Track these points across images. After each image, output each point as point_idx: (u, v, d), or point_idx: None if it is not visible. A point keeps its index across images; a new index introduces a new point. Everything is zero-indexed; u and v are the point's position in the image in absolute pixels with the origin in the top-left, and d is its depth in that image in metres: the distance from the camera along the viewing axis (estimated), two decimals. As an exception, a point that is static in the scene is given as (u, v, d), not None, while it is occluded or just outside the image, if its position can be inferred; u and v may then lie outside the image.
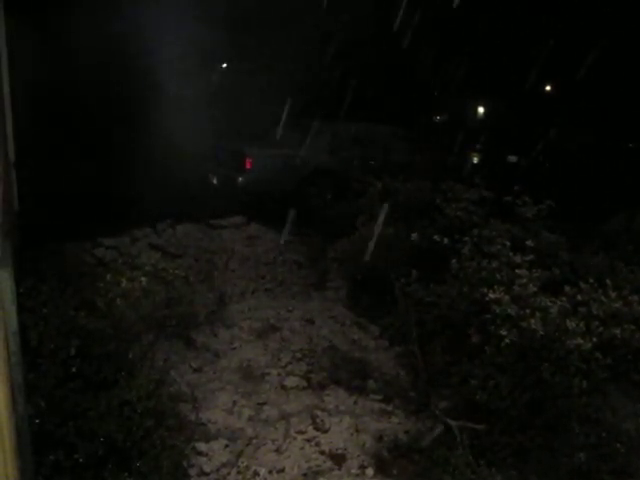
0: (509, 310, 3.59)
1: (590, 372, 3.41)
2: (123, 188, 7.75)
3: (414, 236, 5.18)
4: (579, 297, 3.69)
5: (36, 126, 7.94)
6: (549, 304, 3.58)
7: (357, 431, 3.81)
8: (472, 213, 5.30)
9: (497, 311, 3.65)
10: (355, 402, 4.15)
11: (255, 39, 13.38)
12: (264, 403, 4.05)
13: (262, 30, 13.23)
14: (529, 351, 3.54)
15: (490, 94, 15.67)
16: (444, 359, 4.38)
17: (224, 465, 3.41)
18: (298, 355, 4.72)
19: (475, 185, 5.67)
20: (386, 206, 5.87)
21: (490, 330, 3.70)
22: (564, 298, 3.67)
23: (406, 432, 3.83)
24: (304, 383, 4.36)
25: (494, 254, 4.24)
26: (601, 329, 3.45)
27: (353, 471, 3.45)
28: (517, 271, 3.94)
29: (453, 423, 3.68)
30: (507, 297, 3.68)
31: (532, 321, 3.46)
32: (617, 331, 3.43)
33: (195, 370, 4.42)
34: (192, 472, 3.30)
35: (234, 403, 4.01)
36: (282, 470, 3.40)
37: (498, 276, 4.01)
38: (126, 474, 2.77)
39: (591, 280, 3.81)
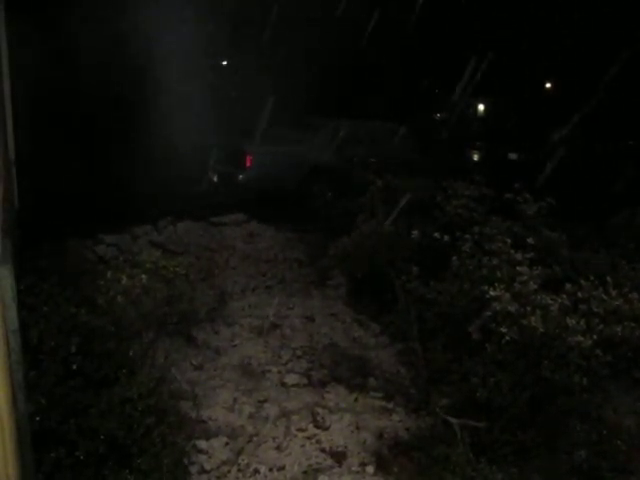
0: (509, 307, 3.58)
1: (590, 369, 3.41)
2: (123, 186, 7.76)
3: (415, 233, 5.18)
4: (580, 295, 3.68)
5: (36, 125, 7.94)
6: (550, 302, 3.58)
7: (357, 429, 3.81)
8: (473, 210, 5.29)
9: (497, 308, 3.64)
10: (356, 400, 4.16)
11: (256, 36, 13.37)
12: (265, 400, 4.05)
13: (263, 28, 13.22)
14: (529, 348, 3.53)
15: (490, 92, 15.64)
16: (444, 356, 4.38)
17: (224, 462, 3.41)
18: (298, 352, 4.72)
19: (475, 182, 5.66)
20: (386, 204, 5.87)
21: (491, 327, 3.70)
22: (565, 296, 3.66)
23: (407, 429, 3.84)
24: (304, 380, 4.36)
25: (495, 251, 4.24)
26: (601, 326, 3.44)
27: (353, 469, 3.45)
28: (518, 268, 3.93)
29: (454, 420, 3.68)
30: (508, 294, 3.68)
31: (532, 318, 3.46)
32: (618, 328, 3.42)
33: (196, 367, 4.43)
34: (193, 469, 3.30)
35: (235, 400, 4.02)
36: (282, 468, 3.41)
37: (499, 273, 4.01)
38: (127, 471, 2.77)
39: (592, 278, 3.80)
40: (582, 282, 3.76)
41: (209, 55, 13.85)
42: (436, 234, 4.90)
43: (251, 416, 3.88)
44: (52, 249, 5.07)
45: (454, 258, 4.45)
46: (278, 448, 3.57)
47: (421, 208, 5.97)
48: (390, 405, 4.12)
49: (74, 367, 3.11)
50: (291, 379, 4.33)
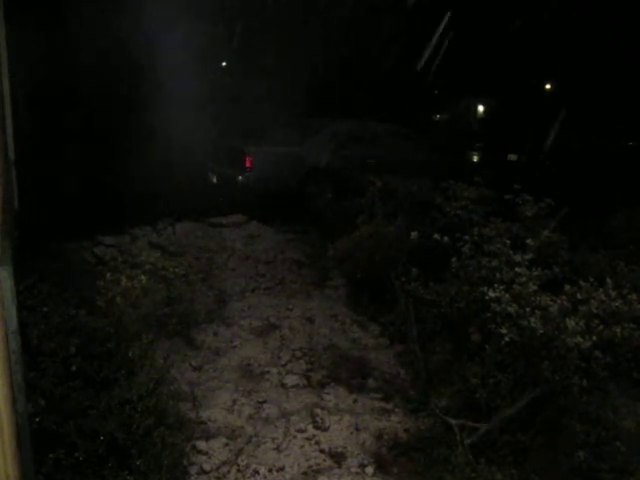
0: (509, 309, 3.59)
1: (590, 371, 3.41)
2: (122, 187, 7.76)
3: (414, 234, 5.18)
4: (579, 296, 3.68)
5: (36, 126, 7.94)
6: (549, 303, 3.58)
7: (357, 429, 3.81)
8: (472, 211, 5.29)
9: (497, 309, 3.65)
10: (355, 400, 4.16)
11: (255, 38, 13.38)
12: (264, 401, 4.05)
13: (263, 29, 13.23)
14: (529, 349, 3.54)
15: (490, 93, 15.66)
16: (444, 357, 4.39)
17: (224, 463, 3.41)
18: (298, 354, 4.72)
19: (475, 183, 5.66)
20: (386, 205, 5.87)
21: (490, 328, 3.70)
22: (564, 297, 3.66)
23: (406, 430, 3.84)
24: (304, 381, 4.36)
25: (494, 253, 4.24)
26: (601, 328, 3.44)
27: (353, 470, 3.45)
28: (517, 270, 3.93)
29: (453, 421, 3.68)
30: (507, 296, 3.68)
31: (532, 320, 3.46)
32: (617, 330, 3.42)
33: (195, 368, 4.43)
34: (192, 470, 3.30)
35: (234, 401, 4.02)
36: (282, 468, 3.41)
37: (498, 275, 4.01)
38: (126, 472, 2.77)
39: (591, 279, 3.81)
40: (581, 283, 3.76)
41: (209, 56, 13.85)
42: (435, 235, 4.90)
43: (250, 417, 3.88)
44: (51, 250, 5.07)
45: (453, 259, 4.46)
46: (277, 449, 3.57)
47: (420, 209, 5.98)
48: (389, 406, 4.12)
49: (74, 368, 3.11)
50: (290, 380, 4.33)
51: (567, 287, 3.78)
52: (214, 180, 9.52)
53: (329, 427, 3.79)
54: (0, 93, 5.06)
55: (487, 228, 4.66)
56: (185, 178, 9.22)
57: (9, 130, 5.56)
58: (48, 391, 2.88)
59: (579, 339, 3.32)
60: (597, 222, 6.12)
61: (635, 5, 11.91)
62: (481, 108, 17.14)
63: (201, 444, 3.51)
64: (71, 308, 3.54)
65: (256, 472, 3.35)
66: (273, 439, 3.66)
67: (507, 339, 3.53)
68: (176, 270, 4.95)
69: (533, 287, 3.71)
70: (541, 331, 3.42)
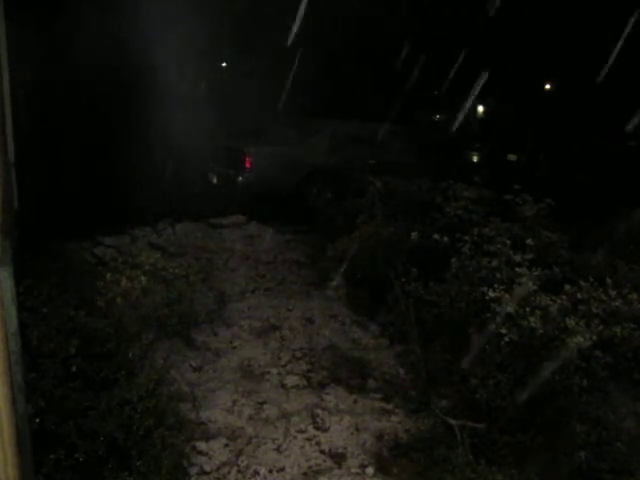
0: (509, 309, 3.59)
1: (590, 370, 3.41)
2: (123, 187, 7.75)
3: (414, 235, 5.18)
4: (579, 295, 3.69)
5: (36, 126, 7.94)
6: (549, 302, 3.58)
7: (357, 430, 3.81)
8: (472, 212, 5.30)
9: (497, 310, 3.65)
10: (355, 401, 4.15)
11: (255, 38, 13.38)
12: (264, 402, 4.05)
13: (262, 29, 13.23)
14: (529, 349, 3.54)
15: (490, 93, 15.67)
16: (444, 358, 4.38)
17: (224, 464, 3.41)
18: (298, 354, 4.72)
19: (475, 184, 5.67)
20: (386, 205, 5.88)
21: (490, 328, 3.70)
22: (564, 296, 3.67)
23: (406, 431, 3.83)
24: (304, 382, 4.36)
25: (494, 253, 4.24)
26: (601, 327, 3.44)
27: (353, 470, 3.45)
28: (517, 270, 3.94)
29: (453, 422, 3.68)
30: (507, 296, 3.68)
31: (532, 319, 3.46)
32: (617, 329, 3.43)
33: (195, 369, 4.43)
34: (192, 471, 3.30)
35: (234, 402, 4.02)
36: (282, 469, 3.41)
37: (498, 275, 4.01)
38: (126, 473, 2.77)
39: (591, 279, 3.81)
40: (581, 283, 3.77)
41: (209, 56, 13.86)
42: (435, 235, 4.90)
43: (251, 417, 3.87)
44: (51, 250, 5.07)
45: (453, 259, 4.46)
46: (278, 449, 3.57)
47: (420, 209, 5.98)
48: (390, 406, 4.12)
49: (74, 369, 3.11)
50: (291, 381, 4.33)
51: (567, 287, 3.79)
52: (214, 180, 9.52)
53: (329, 428, 3.79)
54: (0, 93, 5.06)
55: (487, 228, 4.66)
56: (185, 178, 9.22)
57: (9, 130, 5.55)
58: (48, 392, 2.88)
59: (579, 339, 3.32)
60: (597, 222, 6.12)
61: (635, 5, 11.92)
62: (481, 108, 17.16)
63: (201, 445, 3.51)
64: (71, 309, 3.54)
65: (256, 473, 3.35)
66: (273, 440, 3.65)
67: (507, 339, 3.53)
68: (176, 271, 4.95)
69: (533, 287, 3.72)
70: (541, 331, 3.42)
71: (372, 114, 11.28)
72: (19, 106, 5.74)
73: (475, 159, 13.45)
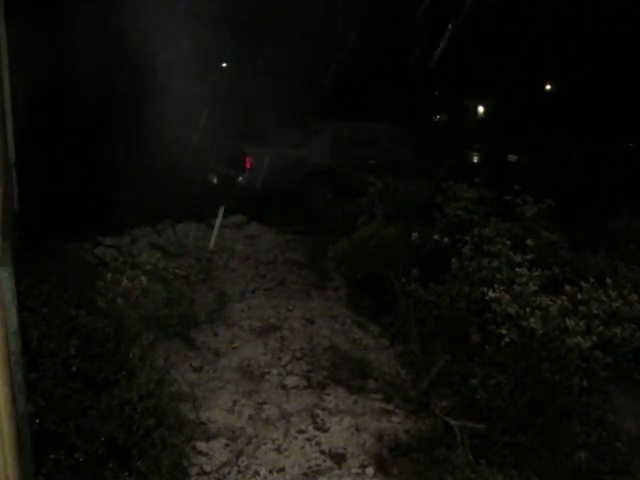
0: (509, 309, 3.59)
1: (590, 371, 3.41)
2: (123, 187, 7.76)
3: (414, 235, 5.18)
4: (579, 296, 3.68)
5: (36, 126, 7.94)
6: (549, 303, 3.58)
7: (357, 430, 3.81)
8: (472, 212, 5.29)
9: (497, 310, 3.65)
10: (355, 401, 4.15)
11: (256, 39, 13.39)
12: (264, 402, 4.05)
13: (263, 30, 13.23)
14: (529, 350, 3.54)
15: (490, 94, 15.67)
16: (444, 358, 4.38)
17: (224, 464, 3.41)
18: (298, 354, 4.72)
19: (475, 184, 5.67)
20: (386, 205, 5.88)
21: (490, 329, 3.70)
22: (564, 297, 3.66)
23: (406, 431, 3.83)
24: (304, 382, 4.36)
25: (494, 253, 4.24)
26: (601, 328, 3.44)
27: (353, 470, 3.44)
28: (517, 270, 3.93)
29: (453, 422, 3.68)
30: (507, 296, 3.68)
31: (532, 320, 3.46)
32: (617, 330, 3.42)
33: (195, 369, 4.43)
34: (192, 471, 3.30)
35: (234, 402, 4.02)
36: (282, 469, 3.40)
37: (498, 275, 4.01)
38: (126, 473, 2.77)
39: (591, 279, 3.81)
40: (582, 283, 3.76)
41: (209, 57, 13.86)
42: (436, 236, 4.90)
43: (251, 418, 3.87)
44: (51, 250, 5.07)
45: (454, 260, 4.46)
46: (278, 450, 3.57)
47: (420, 210, 5.98)
48: (390, 407, 4.12)
49: (74, 369, 3.11)
50: (291, 381, 4.33)
51: (567, 287, 3.78)
52: (214, 181, 9.53)
53: (329, 428, 3.79)
54: (0, 93, 5.06)
55: (487, 229, 4.66)
56: (185, 178, 9.23)
57: (9, 130, 5.56)
58: (48, 392, 2.88)
59: (579, 339, 3.32)
60: (597, 222, 6.13)
61: (635, 5, 11.92)
62: (481, 109, 17.15)
63: (201, 445, 3.51)
64: (71, 309, 3.53)
65: (256, 473, 3.35)
66: (273, 440, 3.65)
67: (507, 339, 3.53)
68: (176, 271, 4.94)
69: (533, 287, 3.71)
70: (541, 331, 3.42)
71: (372, 114, 11.28)
72: (19, 106, 5.74)
73: (475, 159, 13.46)
